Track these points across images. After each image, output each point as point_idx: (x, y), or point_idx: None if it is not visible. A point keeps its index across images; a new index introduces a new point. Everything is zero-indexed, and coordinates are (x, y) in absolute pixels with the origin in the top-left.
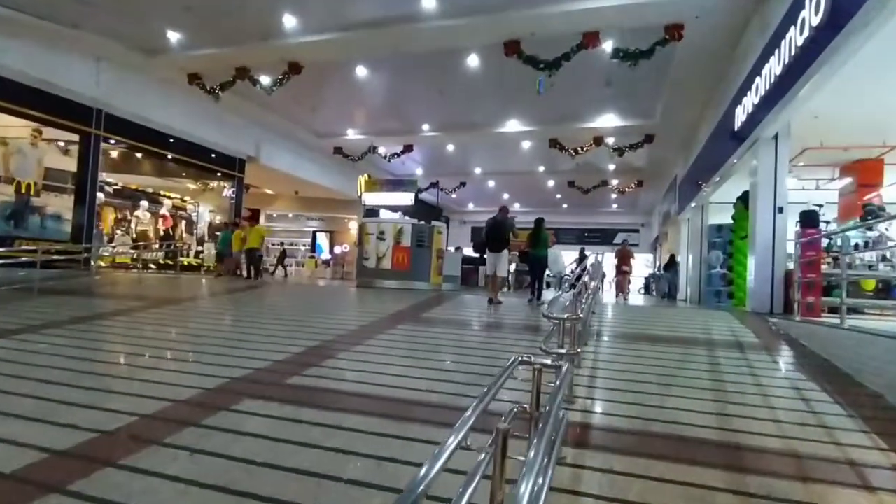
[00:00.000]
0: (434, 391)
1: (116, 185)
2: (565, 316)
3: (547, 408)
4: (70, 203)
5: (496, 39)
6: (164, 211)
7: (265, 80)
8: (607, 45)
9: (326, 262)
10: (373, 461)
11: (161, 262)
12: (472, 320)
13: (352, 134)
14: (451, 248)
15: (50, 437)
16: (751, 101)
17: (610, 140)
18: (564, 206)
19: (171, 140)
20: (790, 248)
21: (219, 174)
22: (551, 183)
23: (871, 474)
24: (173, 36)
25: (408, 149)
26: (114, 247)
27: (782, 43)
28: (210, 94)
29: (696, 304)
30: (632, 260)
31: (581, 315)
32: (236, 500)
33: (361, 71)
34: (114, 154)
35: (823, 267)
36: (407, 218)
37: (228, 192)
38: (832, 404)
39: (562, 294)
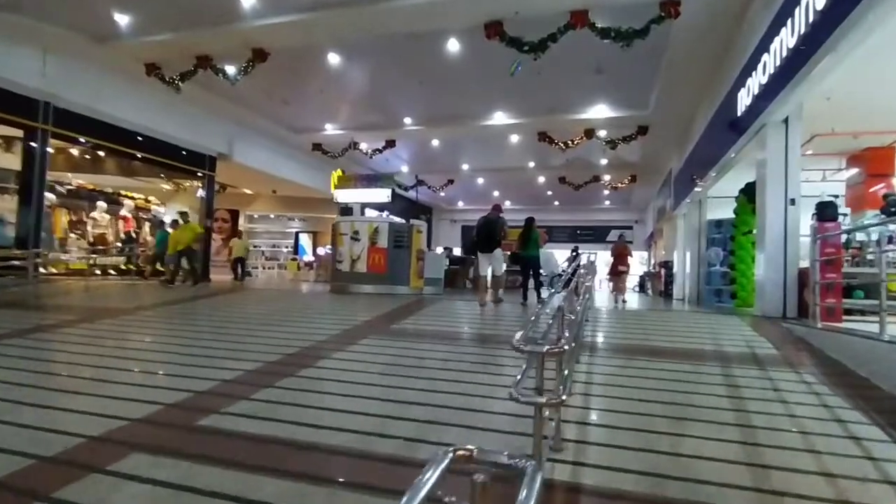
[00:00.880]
0: (385, 434)
1: (69, 184)
2: (545, 349)
3: None
4: (14, 205)
5: (477, 20)
6: (124, 212)
7: (230, 69)
8: (598, 23)
9: (309, 265)
10: None
11: (123, 267)
12: (448, 332)
13: (330, 129)
14: (439, 249)
15: None
16: (756, 81)
17: (602, 133)
18: (556, 203)
19: (134, 136)
20: (803, 244)
21: (188, 173)
22: (542, 179)
23: None
24: (122, 19)
25: (390, 144)
26: (66, 252)
27: (796, 10)
28: (170, 86)
29: (696, 304)
30: (630, 258)
31: (566, 347)
32: None
33: (334, 58)
34: (74, 152)
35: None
36: (384, 216)
37: (202, 192)
38: (891, 444)
39: (545, 307)
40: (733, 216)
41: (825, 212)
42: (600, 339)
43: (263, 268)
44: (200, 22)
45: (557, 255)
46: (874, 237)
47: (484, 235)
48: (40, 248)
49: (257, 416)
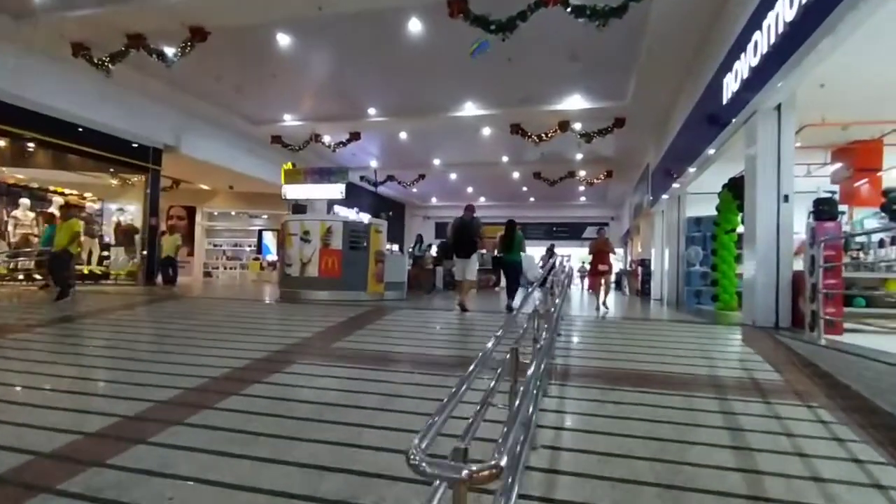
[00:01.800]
0: None
1: None
2: (463, 474)
3: None
4: None
5: None
6: (53, 210)
7: (166, 50)
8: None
9: (273, 265)
10: None
11: None
12: (400, 351)
13: (289, 120)
14: (402, 249)
15: None
16: (746, 64)
17: (577, 125)
18: (531, 199)
19: (64, 126)
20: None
21: (129, 166)
22: (516, 175)
23: None
24: None
25: (354, 137)
26: None
27: None
28: (98, 69)
29: (675, 305)
30: (611, 255)
31: (503, 464)
32: None
33: (283, 39)
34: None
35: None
36: (339, 215)
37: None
38: None
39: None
40: (714, 213)
41: (824, 209)
42: (574, 359)
43: (225, 268)
44: None
45: (535, 254)
46: (875, 238)
47: (459, 240)
48: None
49: (104, 486)
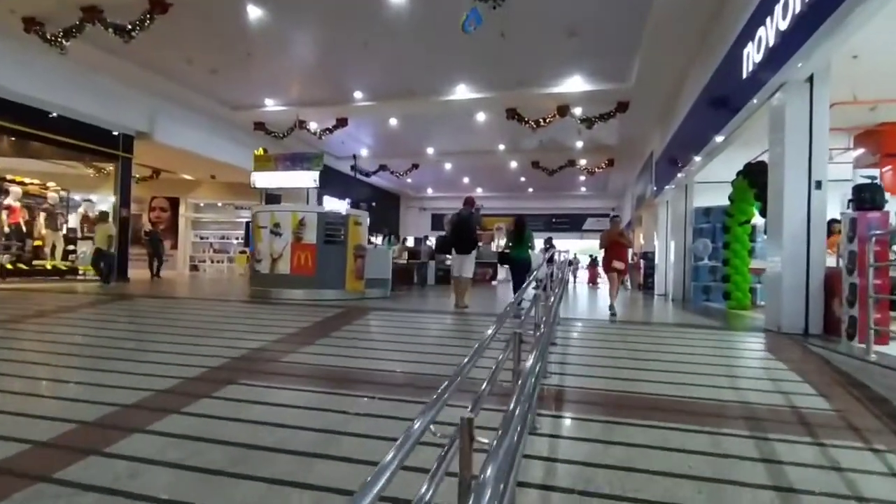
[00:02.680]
0: None
1: None
2: None
3: None
4: None
5: None
6: (10, 201)
7: (127, 25)
8: None
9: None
10: None
11: (9, 266)
12: (361, 367)
13: (272, 105)
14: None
15: None
16: (773, 29)
17: (577, 110)
18: (530, 189)
19: (21, 110)
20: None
21: (97, 154)
22: (514, 164)
23: None
24: None
25: (341, 123)
26: None
27: None
28: (52, 46)
29: (681, 302)
30: (629, 249)
31: None
32: None
33: (254, 12)
34: None
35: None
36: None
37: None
38: None
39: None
40: (725, 203)
41: (865, 197)
42: (570, 379)
43: (212, 261)
44: None
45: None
46: None
47: (459, 235)
48: None
49: None
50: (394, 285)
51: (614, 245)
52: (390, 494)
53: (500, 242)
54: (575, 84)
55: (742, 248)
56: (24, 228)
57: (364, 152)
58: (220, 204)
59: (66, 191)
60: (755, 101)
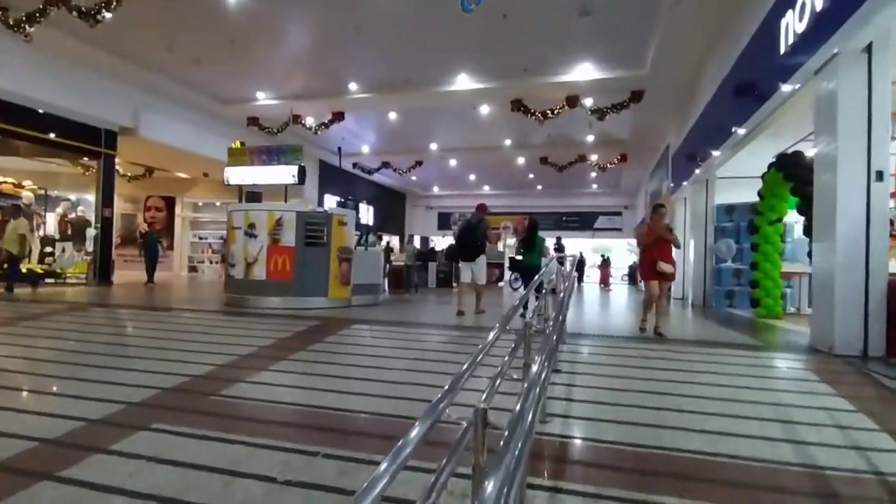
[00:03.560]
0: None
1: None
2: None
3: None
4: None
5: None
6: None
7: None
8: None
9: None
10: None
11: None
12: (310, 405)
13: (264, 98)
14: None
15: None
16: None
17: (587, 101)
18: (539, 187)
19: None
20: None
21: (77, 151)
22: (521, 160)
23: None
24: None
25: (337, 117)
26: None
27: None
28: (16, 32)
29: (702, 308)
30: (673, 249)
31: None
32: None
33: None
34: None
35: None
36: (294, 203)
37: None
38: None
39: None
40: (752, 200)
41: None
42: (577, 426)
43: (211, 262)
44: None
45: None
46: None
47: (464, 242)
48: None
49: None
50: (392, 288)
51: (660, 243)
52: None
53: (507, 241)
54: (585, 71)
55: (773, 249)
56: None
57: (365, 149)
58: (218, 203)
59: (44, 189)
60: (796, 80)
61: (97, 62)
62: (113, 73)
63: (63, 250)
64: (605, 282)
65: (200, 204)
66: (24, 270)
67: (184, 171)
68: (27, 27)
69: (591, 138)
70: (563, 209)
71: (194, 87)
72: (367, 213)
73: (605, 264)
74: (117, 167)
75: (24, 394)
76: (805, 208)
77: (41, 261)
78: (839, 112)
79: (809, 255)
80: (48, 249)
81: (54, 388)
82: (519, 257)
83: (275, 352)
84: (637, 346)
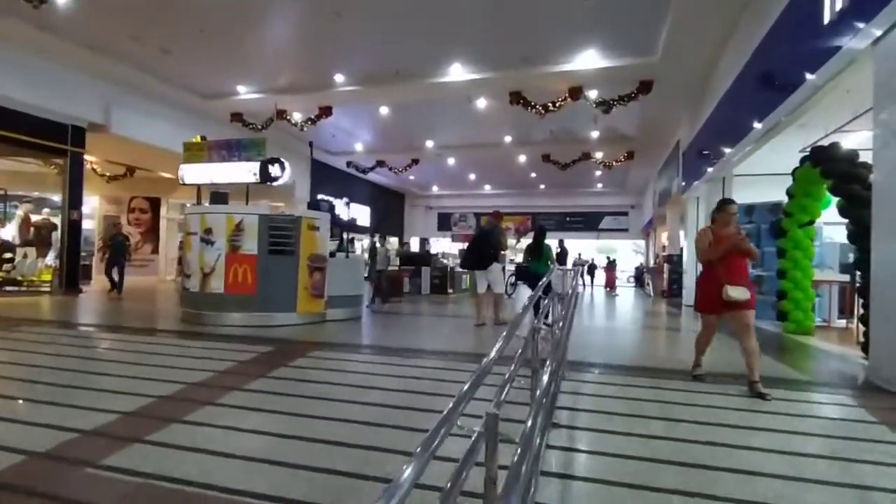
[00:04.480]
0: None
1: None
2: None
3: None
4: None
5: None
6: None
7: None
8: None
9: None
10: None
11: None
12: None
13: (245, 93)
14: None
15: None
16: None
17: (592, 93)
18: (541, 186)
19: None
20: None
21: (41, 149)
22: (522, 158)
23: None
24: None
25: (324, 112)
26: None
27: None
28: None
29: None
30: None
31: None
32: None
33: None
34: None
35: None
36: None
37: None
38: None
39: None
40: (774, 199)
41: None
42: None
43: None
44: None
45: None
46: None
47: (475, 250)
48: None
49: None
50: (384, 296)
51: (732, 257)
52: None
53: (508, 242)
54: (589, 59)
55: (804, 255)
56: None
57: (359, 147)
58: (206, 204)
59: (3, 190)
60: (841, 58)
61: (61, 53)
62: (79, 66)
63: (25, 256)
64: (610, 285)
65: (188, 205)
66: None
67: (167, 170)
68: None
69: (595, 134)
70: (566, 209)
71: (169, 81)
72: (363, 214)
73: (610, 267)
74: (94, 167)
75: None
76: (848, 209)
77: None
78: None
79: (856, 265)
80: (7, 255)
81: None
82: (526, 265)
83: (191, 397)
84: (653, 380)
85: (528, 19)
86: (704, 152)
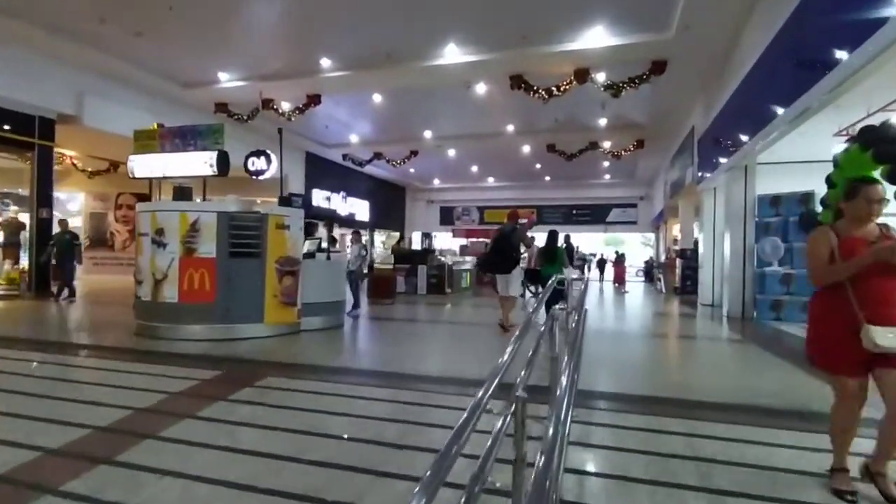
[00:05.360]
0: None
1: None
2: None
3: None
4: None
5: None
6: None
7: None
8: None
9: None
10: None
11: None
12: None
13: (227, 80)
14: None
15: None
16: None
17: (599, 75)
18: (546, 178)
19: None
20: None
21: (6, 142)
22: (526, 148)
23: None
24: None
25: (313, 100)
26: None
27: None
28: None
29: (740, 321)
30: None
31: None
32: None
33: None
34: None
35: None
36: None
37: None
38: None
39: None
40: (802, 189)
41: None
42: None
43: None
44: None
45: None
46: None
47: (499, 253)
48: None
49: None
50: (378, 296)
51: (873, 278)
52: None
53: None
54: (596, 37)
55: None
56: None
57: (354, 138)
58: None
59: None
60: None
61: (24, 38)
62: (46, 51)
63: None
64: (619, 280)
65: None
66: None
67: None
68: None
69: (603, 122)
70: (573, 201)
71: (146, 68)
72: (362, 209)
73: (619, 261)
74: (75, 162)
75: None
76: None
77: None
78: None
79: None
80: None
81: None
82: (539, 269)
83: (71, 456)
84: (679, 415)
85: None
86: (723, 139)
